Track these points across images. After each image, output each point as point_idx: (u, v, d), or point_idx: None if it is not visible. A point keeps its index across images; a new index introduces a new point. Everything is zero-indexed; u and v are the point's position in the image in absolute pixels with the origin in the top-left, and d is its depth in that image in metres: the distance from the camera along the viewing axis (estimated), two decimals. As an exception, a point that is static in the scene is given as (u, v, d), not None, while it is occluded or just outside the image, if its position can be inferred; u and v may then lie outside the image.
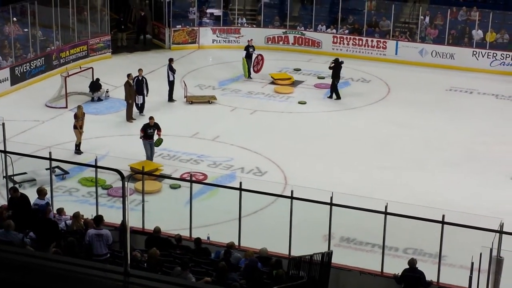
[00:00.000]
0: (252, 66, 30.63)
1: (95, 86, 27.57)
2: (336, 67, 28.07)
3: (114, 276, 7.10)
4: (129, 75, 25.43)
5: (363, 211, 14.60)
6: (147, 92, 25.75)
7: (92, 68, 28.38)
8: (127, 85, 25.31)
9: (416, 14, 34.20)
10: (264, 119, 26.18)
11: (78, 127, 22.36)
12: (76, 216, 15.67)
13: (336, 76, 28.11)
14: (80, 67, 28.98)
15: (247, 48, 30.74)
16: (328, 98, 28.20)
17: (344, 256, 16.14)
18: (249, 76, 30.36)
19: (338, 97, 28.13)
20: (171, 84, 27.34)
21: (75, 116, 22.58)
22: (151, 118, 22.31)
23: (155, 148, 22.01)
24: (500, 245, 14.02)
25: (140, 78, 25.67)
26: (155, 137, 21.92)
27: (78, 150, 22.26)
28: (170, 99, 27.40)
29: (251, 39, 31.48)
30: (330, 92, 28.25)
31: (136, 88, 25.38)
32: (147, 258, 13.99)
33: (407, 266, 14.61)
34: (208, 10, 35.56)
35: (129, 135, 23.94)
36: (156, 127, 21.98)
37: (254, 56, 30.75)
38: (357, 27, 34.15)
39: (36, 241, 14.09)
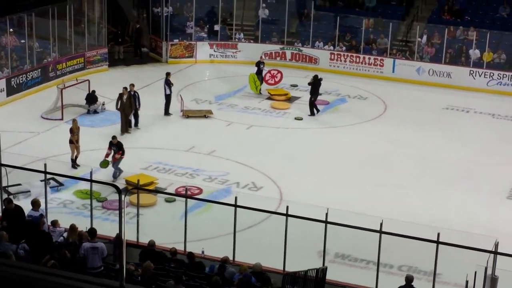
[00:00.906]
0: (264, 80, 30.58)
1: (91, 98, 27.52)
2: (315, 83, 28.07)
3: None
4: (124, 89, 25.40)
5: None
6: (139, 106, 25.73)
7: (88, 80, 28.33)
8: (118, 97, 25.38)
9: (414, 33, 34.26)
10: (260, 135, 26.15)
11: (74, 142, 22.28)
12: (73, 228, 15.57)
13: (314, 92, 28.09)
14: (77, 79, 28.92)
15: (258, 64, 30.77)
16: (316, 114, 28.09)
17: (339, 273, 16.08)
18: (259, 92, 30.26)
19: (312, 114, 27.98)
20: (167, 98, 27.30)
21: (71, 130, 22.47)
22: (114, 137, 22.12)
23: (101, 168, 21.47)
24: (495, 264, 13.99)
25: (132, 93, 25.64)
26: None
27: (74, 164, 22.14)
28: (167, 113, 27.35)
29: (262, 55, 31.48)
30: (315, 109, 28.10)
31: (129, 102, 25.35)
32: (141, 271, 13.91)
33: (402, 283, 14.51)
34: (206, 25, 35.51)
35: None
36: (118, 146, 21.74)
37: (264, 72, 30.76)
38: (355, 44, 34.20)
39: (29, 253, 14.00)
